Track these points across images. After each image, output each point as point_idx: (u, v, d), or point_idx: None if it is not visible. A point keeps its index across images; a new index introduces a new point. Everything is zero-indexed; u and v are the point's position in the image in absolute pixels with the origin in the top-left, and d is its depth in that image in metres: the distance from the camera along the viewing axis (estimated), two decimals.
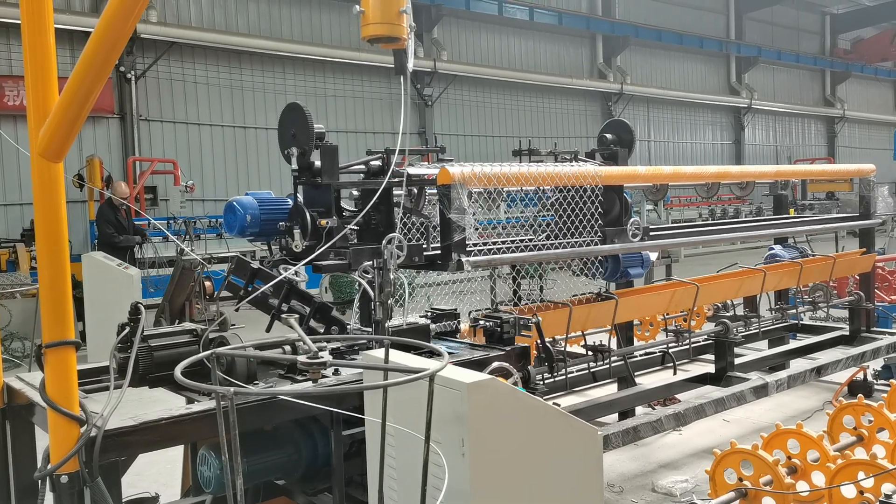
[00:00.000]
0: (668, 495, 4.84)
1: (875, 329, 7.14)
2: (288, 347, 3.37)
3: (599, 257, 4.96)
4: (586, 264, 5.05)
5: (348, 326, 3.81)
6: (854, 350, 6.36)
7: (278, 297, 3.65)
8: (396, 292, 3.55)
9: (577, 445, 2.69)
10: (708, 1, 29.82)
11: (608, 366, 5.10)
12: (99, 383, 3.33)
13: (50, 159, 2.50)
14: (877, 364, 6.65)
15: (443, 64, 20.76)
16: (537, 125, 23.86)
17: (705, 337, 6.10)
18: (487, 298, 6.01)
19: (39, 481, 2.68)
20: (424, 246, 3.96)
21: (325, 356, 2.32)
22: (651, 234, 5.11)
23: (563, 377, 4.66)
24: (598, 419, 5.06)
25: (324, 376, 3.21)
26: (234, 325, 9.83)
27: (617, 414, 5.53)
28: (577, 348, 4.95)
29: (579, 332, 4.88)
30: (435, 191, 4.03)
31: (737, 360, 5.83)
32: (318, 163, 3.75)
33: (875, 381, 6.61)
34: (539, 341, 4.01)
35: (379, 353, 2.75)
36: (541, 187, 4.55)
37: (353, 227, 3.93)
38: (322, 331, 3.72)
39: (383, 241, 3.43)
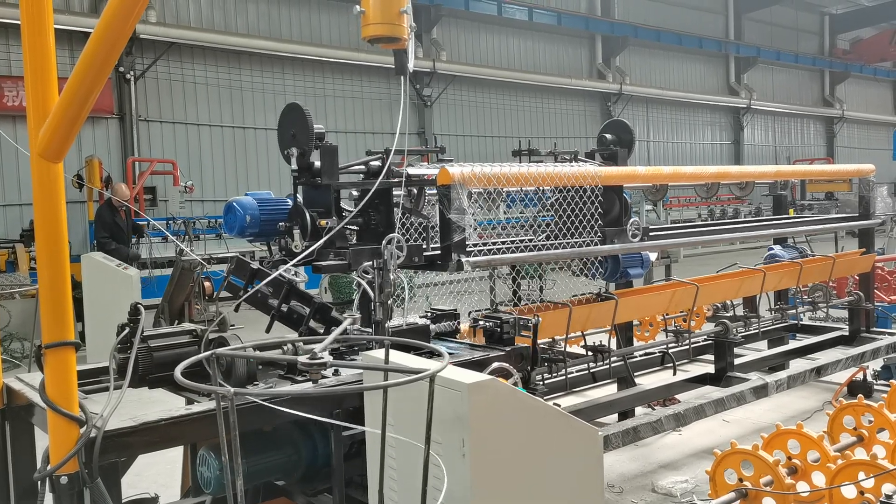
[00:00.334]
0: (668, 496, 4.84)
1: (874, 329, 7.14)
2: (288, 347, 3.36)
3: (599, 257, 4.96)
4: (586, 264, 5.05)
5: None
6: (854, 350, 6.35)
7: (278, 297, 3.64)
8: (395, 292, 3.54)
9: (577, 446, 2.69)
10: (707, 1, 29.83)
11: (608, 366, 5.10)
12: (98, 384, 3.33)
13: (50, 160, 2.49)
14: (876, 364, 6.65)
15: (442, 64, 20.77)
16: (536, 125, 23.86)
17: (705, 337, 6.10)
18: (487, 299, 6.01)
19: (39, 482, 2.68)
20: (424, 246, 3.95)
21: (325, 356, 2.32)
22: (651, 234, 5.11)
23: (563, 377, 4.66)
24: (597, 419, 5.05)
25: (323, 377, 3.21)
26: (233, 325, 9.84)
27: (616, 414, 5.53)
28: (576, 348, 4.95)
29: (579, 333, 4.88)
30: (435, 191, 4.03)
31: (736, 361, 5.82)
32: (317, 163, 3.74)
33: (875, 382, 6.61)
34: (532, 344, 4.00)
35: (379, 353, 2.75)
36: (541, 188, 4.55)
37: (351, 228, 3.93)
38: (322, 331, 3.72)
39: (383, 242, 3.43)
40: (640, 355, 5.96)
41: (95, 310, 7.59)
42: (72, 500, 2.57)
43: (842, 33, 36.12)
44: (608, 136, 5.21)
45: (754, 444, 3.94)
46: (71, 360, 2.59)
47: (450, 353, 3.49)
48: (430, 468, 2.34)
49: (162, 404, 3.02)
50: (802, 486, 3.90)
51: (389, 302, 3.42)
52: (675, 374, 5.75)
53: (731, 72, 30.89)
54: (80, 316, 8.02)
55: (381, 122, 19.94)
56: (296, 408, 2.62)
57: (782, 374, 5.63)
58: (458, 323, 4.02)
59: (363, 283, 3.51)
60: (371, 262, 3.51)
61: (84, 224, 13.18)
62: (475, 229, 4.01)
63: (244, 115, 18.00)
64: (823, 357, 6.25)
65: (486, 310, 4.22)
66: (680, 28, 27.65)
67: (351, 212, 3.90)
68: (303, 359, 2.27)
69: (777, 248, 7.18)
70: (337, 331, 2.63)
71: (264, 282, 3.55)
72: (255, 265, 3.72)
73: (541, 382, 4.25)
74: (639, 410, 5.62)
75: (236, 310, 4.02)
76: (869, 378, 6.59)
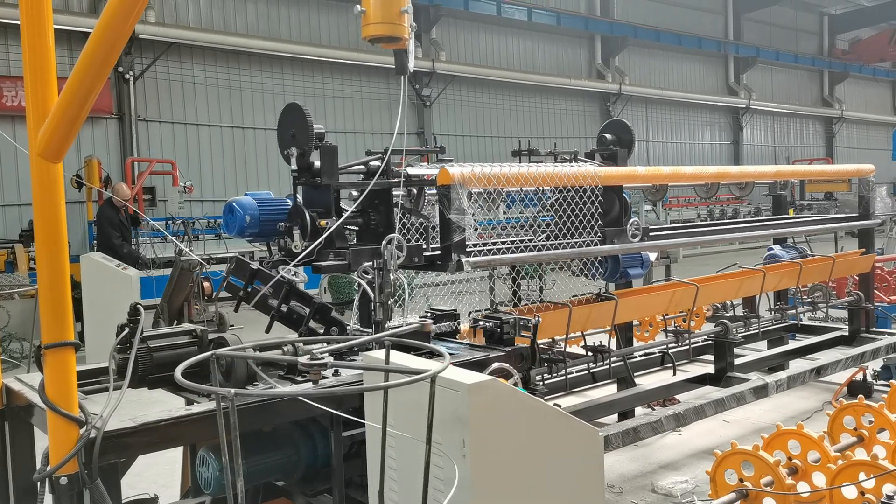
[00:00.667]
0: (668, 496, 4.84)
1: (874, 329, 7.14)
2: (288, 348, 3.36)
3: (599, 258, 4.95)
4: (586, 265, 5.04)
5: (348, 327, 3.81)
6: (853, 350, 6.35)
7: (278, 297, 3.64)
8: (395, 293, 3.54)
9: (578, 446, 2.69)
10: (706, 1, 29.84)
11: (608, 366, 5.09)
12: (98, 384, 3.32)
13: (49, 160, 2.49)
14: (876, 364, 6.65)
15: (441, 64, 20.77)
16: (535, 125, 23.86)
17: (705, 337, 6.09)
18: (486, 299, 6.00)
19: (39, 483, 2.67)
20: (424, 246, 3.95)
21: (326, 357, 2.31)
22: (651, 234, 5.11)
23: (563, 378, 4.66)
24: (597, 420, 5.05)
25: (323, 377, 3.20)
26: (232, 325, 9.84)
27: (616, 415, 5.53)
28: (576, 349, 4.95)
29: (579, 333, 4.88)
30: (434, 191, 4.02)
31: (736, 361, 5.82)
32: (317, 163, 3.74)
33: (874, 382, 6.61)
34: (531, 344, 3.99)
35: (379, 353, 2.74)
36: (541, 188, 4.55)
37: (350, 228, 3.93)
38: (322, 332, 3.71)
39: (383, 242, 3.42)
40: (640, 355, 5.96)
41: (95, 310, 7.59)
42: (71, 500, 2.56)
43: (841, 33, 36.13)
44: (608, 136, 5.21)
45: (755, 444, 3.93)
46: (71, 361, 2.59)
47: (450, 354, 3.49)
48: (433, 468, 2.33)
49: (162, 405, 3.01)
50: (803, 487, 3.90)
51: (389, 302, 3.42)
52: (674, 374, 5.75)
53: (730, 72, 30.89)
54: (78, 316, 8.01)
55: (380, 123, 19.93)
56: (296, 406, 2.62)
57: (782, 375, 5.63)
58: (458, 323, 4.02)
59: (363, 283, 3.51)
60: (371, 263, 3.50)
61: (83, 224, 13.17)
62: (475, 229, 4.00)
63: (243, 115, 18.00)
64: (823, 357, 6.25)
65: (485, 310, 4.22)
66: (679, 28, 27.65)
67: (351, 212, 3.90)
68: (303, 359, 2.27)
69: (777, 249, 7.18)
70: (355, 343, 2.63)
71: (268, 285, 3.54)
72: (255, 265, 3.72)
73: (541, 383, 4.24)
74: (639, 411, 5.61)
75: (236, 310, 4.02)
76: (869, 378, 6.59)
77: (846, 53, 35.87)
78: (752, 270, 6.20)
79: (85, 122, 2.56)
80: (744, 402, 5.21)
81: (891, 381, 5.21)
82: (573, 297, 4.83)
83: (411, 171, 4.00)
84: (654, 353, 6.00)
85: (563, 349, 4.64)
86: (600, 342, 5.09)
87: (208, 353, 2.20)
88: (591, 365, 4.93)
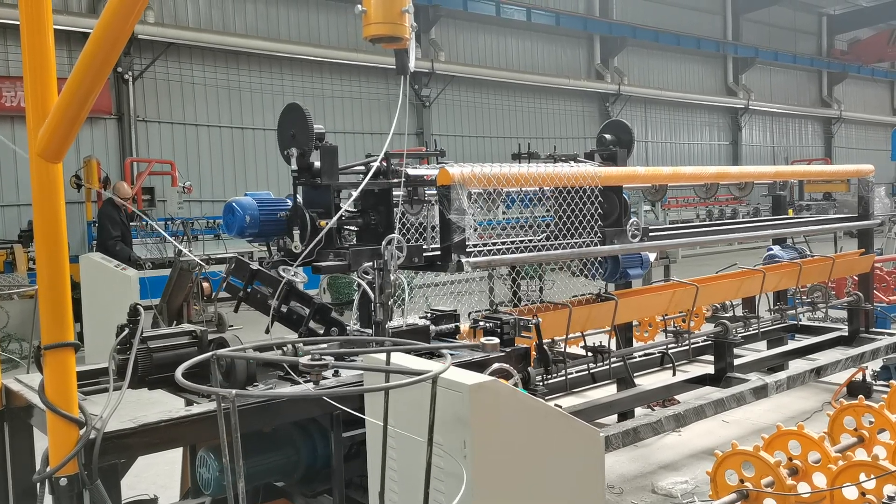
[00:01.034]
0: (668, 496, 4.84)
1: (874, 330, 7.14)
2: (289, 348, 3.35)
3: (599, 258, 4.95)
4: (586, 265, 5.04)
5: (347, 328, 3.80)
6: (853, 351, 6.35)
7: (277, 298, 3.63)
8: (395, 293, 3.54)
9: (578, 447, 2.68)
10: (705, 2, 29.85)
11: (608, 367, 5.09)
12: (98, 385, 3.32)
13: (49, 160, 2.48)
14: (876, 365, 6.65)
15: (440, 65, 20.77)
16: (535, 126, 23.87)
17: (704, 338, 6.10)
18: (486, 299, 6.00)
19: (38, 484, 2.66)
20: (424, 247, 3.95)
21: (327, 357, 2.31)
22: (650, 234, 5.11)
23: (563, 378, 4.66)
24: (597, 420, 5.05)
25: (324, 378, 3.20)
26: (231, 326, 9.83)
27: (616, 415, 5.53)
28: (576, 349, 4.94)
29: (579, 333, 4.88)
30: (434, 191, 4.02)
31: (736, 361, 5.82)
32: (317, 163, 3.73)
33: (874, 382, 6.61)
34: (538, 343, 3.99)
35: (380, 354, 2.73)
36: (540, 188, 4.54)
37: (350, 228, 3.93)
38: (322, 332, 3.71)
39: (383, 242, 3.42)
40: (640, 356, 5.96)
41: (94, 310, 7.58)
42: (71, 501, 2.56)
43: (840, 34, 36.15)
44: (607, 136, 5.21)
45: (755, 444, 3.93)
46: (70, 361, 2.58)
47: (450, 354, 3.48)
48: (434, 469, 2.33)
49: (161, 405, 3.01)
50: (803, 487, 3.90)
51: (389, 303, 3.41)
52: (674, 374, 5.75)
53: (729, 72, 30.91)
54: (78, 317, 8.01)
55: (379, 123, 19.93)
56: (296, 406, 2.61)
57: (782, 375, 5.63)
58: (458, 324, 4.01)
59: (363, 283, 3.50)
60: (371, 263, 3.50)
61: (82, 225, 13.16)
62: (475, 230, 4.00)
63: (242, 115, 17.99)
64: (823, 357, 6.25)
65: (485, 310, 4.21)
66: (678, 29, 27.66)
67: (351, 213, 3.90)
68: (304, 360, 2.26)
69: (776, 249, 7.19)
70: (368, 355, 2.62)
71: (276, 290, 3.53)
72: (255, 266, 3.72)
73: (541, 383, 4.24)
74: (638, 411, 5.61)
75: (236, 310, 4.02)
76: (868, 378, 6.59)
77: (845, 54, 35.89)
78: (752, 271, 6.20)
79: (84, 122, 2.55)
80: (743, 402, 5.21)
81: (890, 381, 5.21)
82: (573, 297, 4.83)
83: (410, 171, 4.00)
84: (654, 354, 6.00)
85: (562, 349, 4.64)
86: (600, 342, 5.09)
87: (209, 353, 2.19)
88: (591, 365, 4.93)
